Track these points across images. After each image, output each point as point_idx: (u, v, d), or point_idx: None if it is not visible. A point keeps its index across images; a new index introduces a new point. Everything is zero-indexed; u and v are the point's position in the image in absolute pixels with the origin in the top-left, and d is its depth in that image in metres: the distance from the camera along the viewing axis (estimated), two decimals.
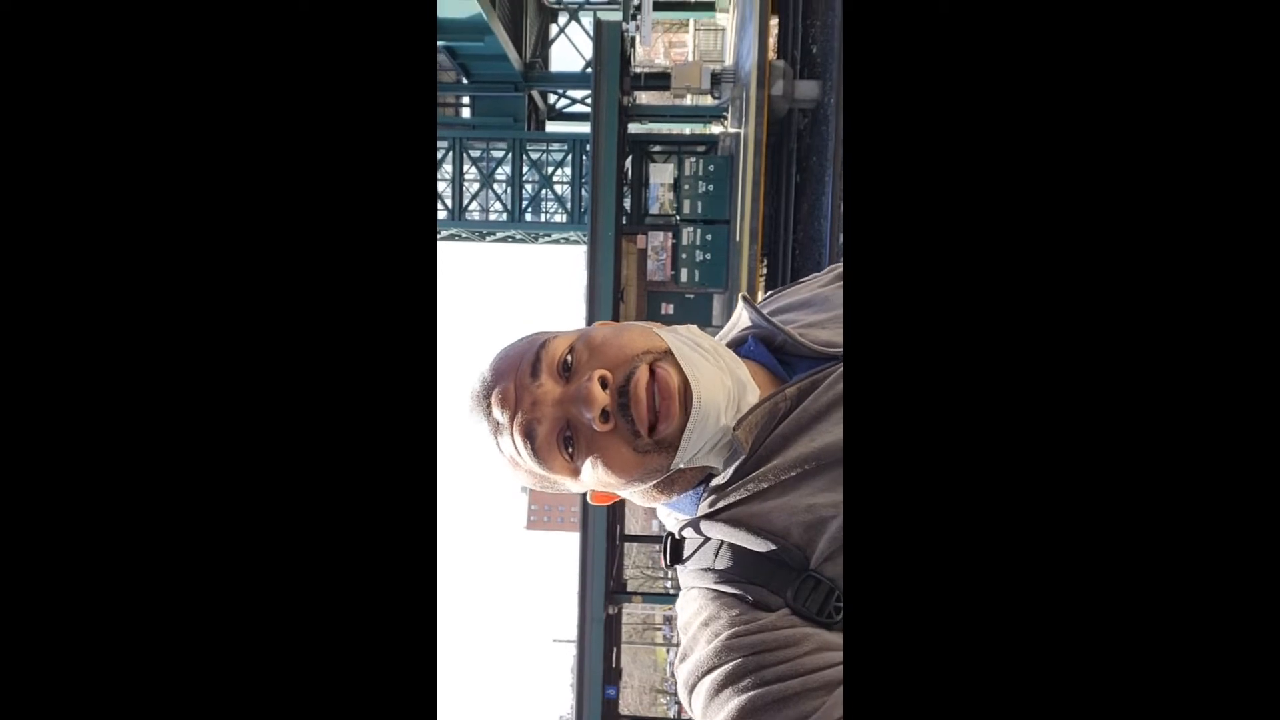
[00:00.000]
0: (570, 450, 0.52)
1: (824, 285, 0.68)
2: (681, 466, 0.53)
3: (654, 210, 10.21)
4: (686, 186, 7.68)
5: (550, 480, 0.55)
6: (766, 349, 0.60)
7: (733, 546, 0.51)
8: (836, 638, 0.46)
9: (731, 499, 0.53)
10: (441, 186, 10.28)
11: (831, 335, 0.58)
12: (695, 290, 7.70)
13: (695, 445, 0.51)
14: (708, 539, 0.53)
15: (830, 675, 0.43)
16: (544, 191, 10.50)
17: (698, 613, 0.51)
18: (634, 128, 9.67)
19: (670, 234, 7.77)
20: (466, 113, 11.29)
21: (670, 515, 0.60)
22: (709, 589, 0.52)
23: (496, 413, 0.53)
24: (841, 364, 0.54)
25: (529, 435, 0.52)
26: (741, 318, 0.64)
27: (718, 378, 0.53)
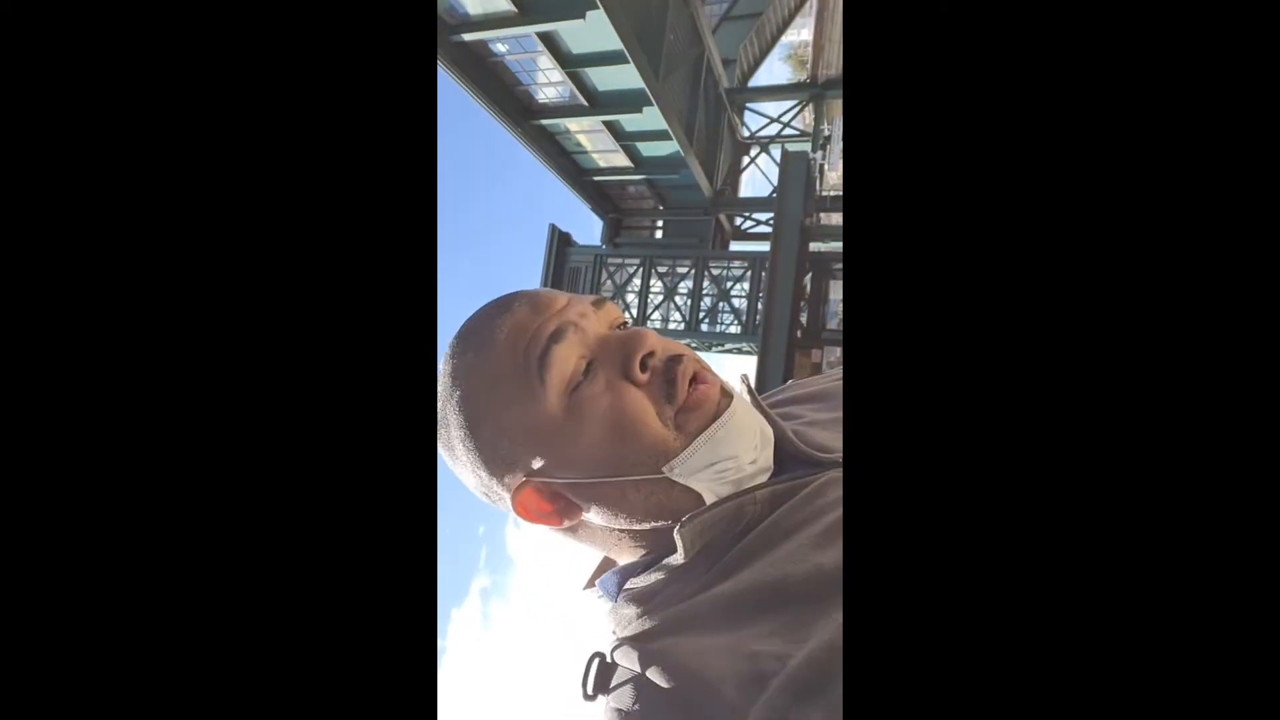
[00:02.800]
0: (584, 378, 0.44)
1: (838, 379, 0.60)
2: (675, 475, 0.44)
3: (832, 325, 10.27)
4: None
5: (506, 407, 0.44)
6: None
7: (651, 685, 0.40)
8: None
9: (662, 623, 0.43)
10: (630, 298, 11.33)
11: (829, 439, 0.50)
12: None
13: (707, 456, 0.44)
14: (632, 672, 0.42)
15: None
16: (721, 305, 11.06)
17: None
18: (817, 246, 10.00)
19: None
20: (659, 234, 12.47)
21: (598, 595, 0.49)
22: None
23: (521, 313, 0.46)
24: (831, 472, 0.46)
25: (557, 333, 0.44)
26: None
27: (754, 417, 0.48)
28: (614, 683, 0.43)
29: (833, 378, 0.61)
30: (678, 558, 0.43)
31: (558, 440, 0.44)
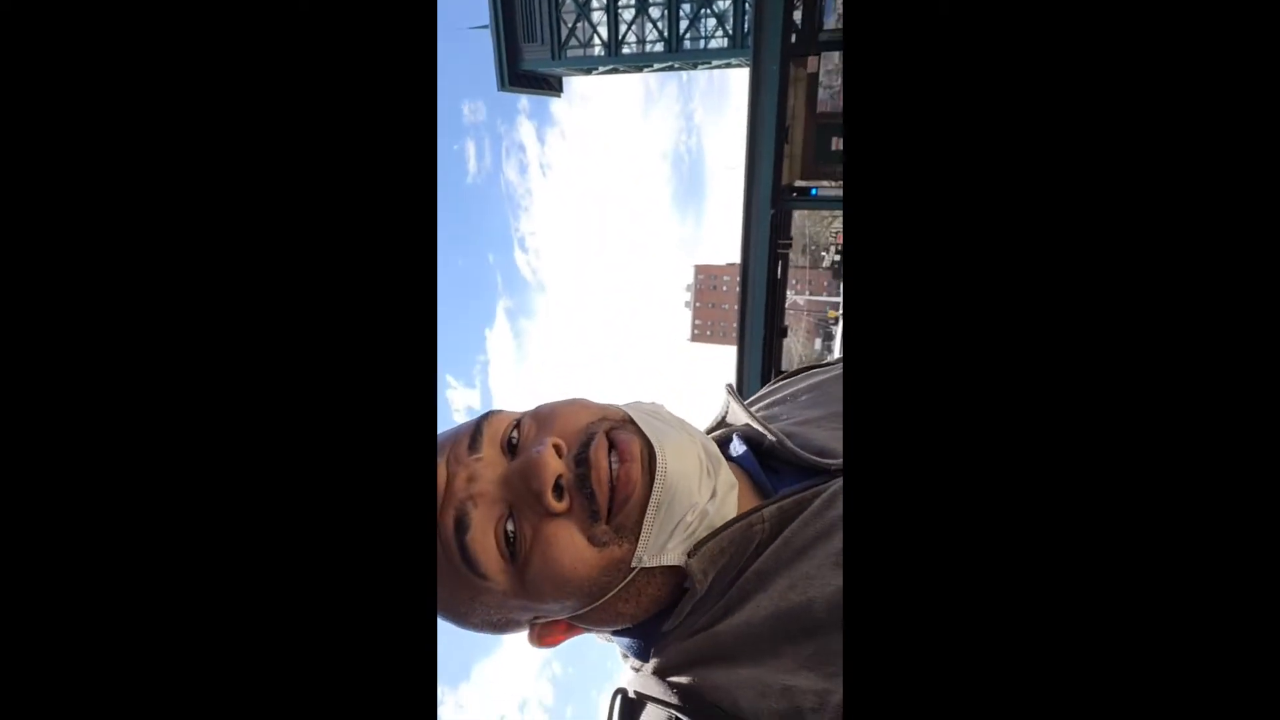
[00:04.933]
0: (511, 547, 0.41)
1: (832, 373, 0.55)
2: (645, 563, 0.41)
3: (829, 24, 8.30)
4: None
5: (473, 602, 0.43)
6: (753, 453, 0.48)
7: None
8: None
9: (682, 658, 0.42)
10: (597, 18, 8.08)
11: (828, 439, 0.46)
12: None
13: (664, 528, 0.41)
14: (664, 704, 0.41)
15: None
16: (702, 13, 9.30)
17: None
18: None
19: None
20: None
21: (624, 659, 0.48)
22: None
23: None
24: (839, 480, 0.42)
25: (460, 524, 0.41)
26: (728, 412, 0.53)
27: (688, 444, 0.43)
28: (643, 718, 0.42)
29: (824, 367, 0.58)
30: (692, 593, 0.41)
31: (529, 602, 0.43)
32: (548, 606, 0.43)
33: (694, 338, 43.19)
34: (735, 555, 0.41)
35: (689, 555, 0.41)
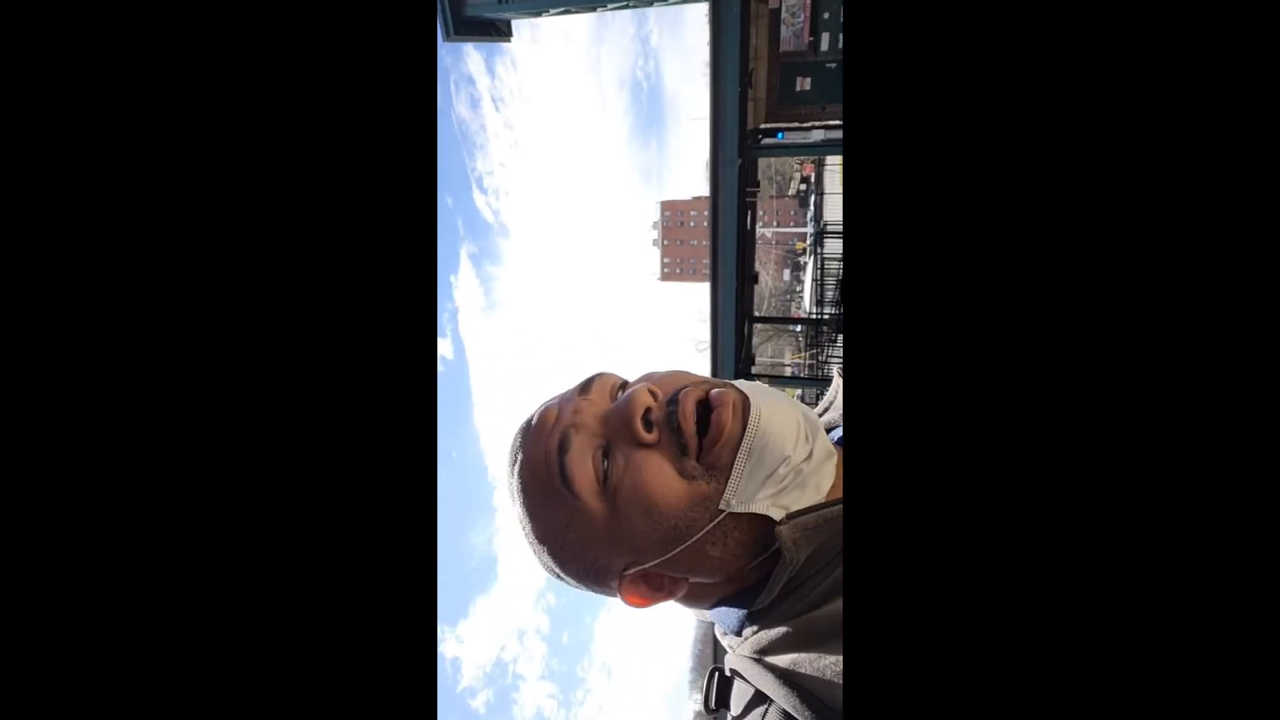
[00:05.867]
0: (606, 466, 0.44)
1: None
2: (734, 506, 0.42)
3: None
4: None
5: (569, 529, 0.45)
6: None
7: (785, 715, 0.40)
8: None
9: (778, 639, 0.42)
10: None
11: None
12: (839, 58, 5.89)
13: (754, 474, 0.42)
14: (756, 692, 0.42)
15: None
16: None
17: None
18: None
19: None
20: None
21: (720, 636, 0.49)
22: None
23: (529, 448, 0.47)
24: None
25: (562, 445, 0.44)
26: (838, 396, 0.55)
27: (786, 405, 0.44)
28: (735, 697, 0.43)
29: None
30: (783, 564, 0.41)
31: (619, 535, 0.44)
32: (638, 542, 0.44)
33: (664, 276, 42.87)
34: (833, 536, 0.41)
35: (781, 522, 0.41)
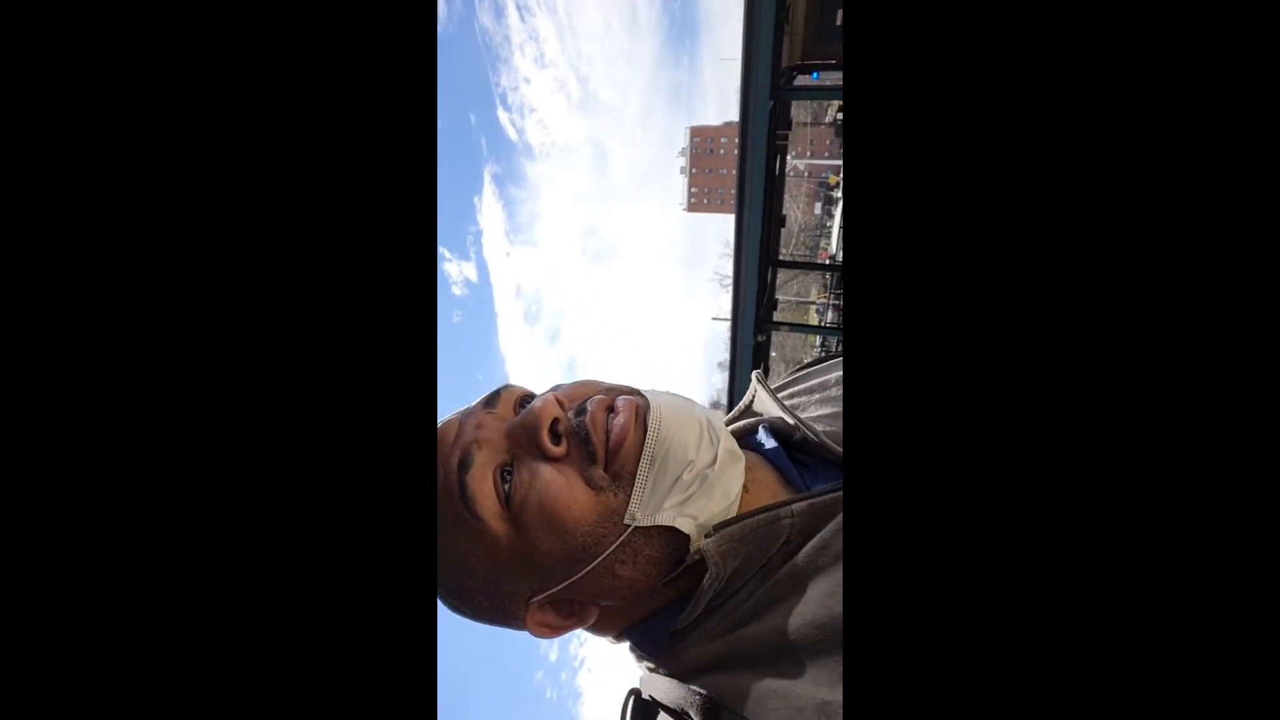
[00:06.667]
0: (508, 485, 0.42)
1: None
2: (640, 521, 0.40)
3: None
4: None
5: (471, 554, 0.43)
6: (782, 446, 0.47)
7: None
8: None
9: (703, 658, 0.40)
10: None
11: None
12: None
13: (659, 483, 0.40)
14: (678, 714, 0.40)
15: None
16: None
17: None
18: None
19: None
20: None
21: (638, 661, 0.46)
22: None
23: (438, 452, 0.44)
24: None
25: (462, 463, 0.42)
26: (754, 400, 0.53)
27: (687, 410, 0.43)
28: None
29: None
30: (709, 579, 0.39)
31: (525, 557, 0.42)
32: (544, 562, 0.42)
33: (690, 206, 41.84)
34: (759, 548, 0.40)
35: (706, 535, 0.39)
